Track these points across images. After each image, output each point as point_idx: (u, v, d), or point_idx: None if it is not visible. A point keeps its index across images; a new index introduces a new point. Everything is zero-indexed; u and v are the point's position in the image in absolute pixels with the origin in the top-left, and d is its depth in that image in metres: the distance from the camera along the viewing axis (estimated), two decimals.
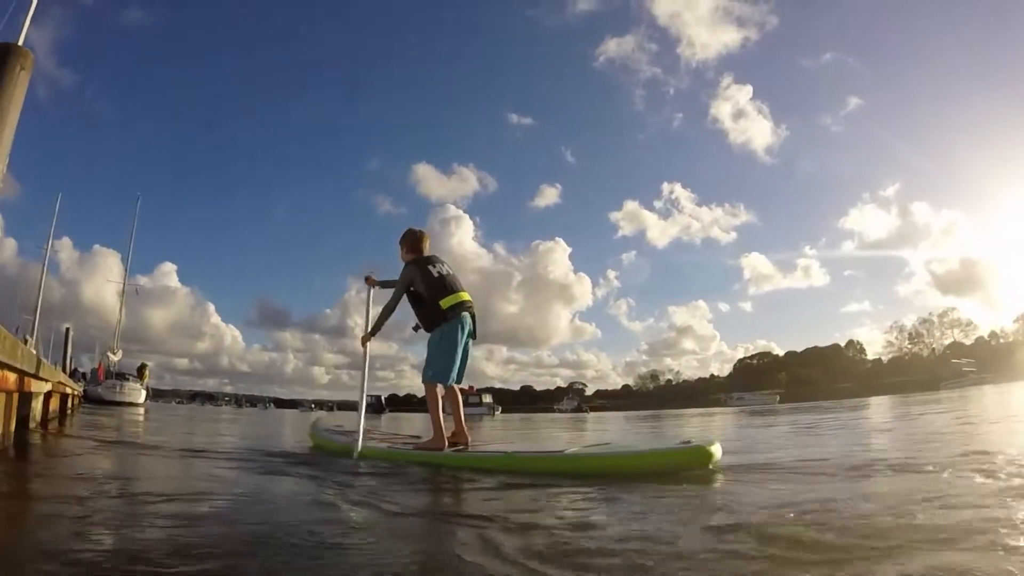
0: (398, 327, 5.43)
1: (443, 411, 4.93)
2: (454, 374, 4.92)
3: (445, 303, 4.85)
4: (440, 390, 4.98)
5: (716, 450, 3.75)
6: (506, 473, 3.87)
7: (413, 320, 5.06)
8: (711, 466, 3.70)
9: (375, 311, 5.38)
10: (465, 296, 4.98)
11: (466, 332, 4.97)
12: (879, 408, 15.42)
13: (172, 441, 6.66)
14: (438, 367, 4.88)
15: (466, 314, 4.95)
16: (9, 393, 4.09)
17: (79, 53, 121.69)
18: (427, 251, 5.20)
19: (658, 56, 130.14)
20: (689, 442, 3.84)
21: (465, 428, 4.93)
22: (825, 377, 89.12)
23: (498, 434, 10.77)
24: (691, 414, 24.76)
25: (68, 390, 10.34)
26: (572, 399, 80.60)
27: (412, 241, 5.20)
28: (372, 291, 5.50)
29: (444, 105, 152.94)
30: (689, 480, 3.40)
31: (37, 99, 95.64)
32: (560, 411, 64.62)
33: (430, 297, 4.88)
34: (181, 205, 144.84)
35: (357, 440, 5.02)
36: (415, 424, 5.68)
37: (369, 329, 5.36)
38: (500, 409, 58.82)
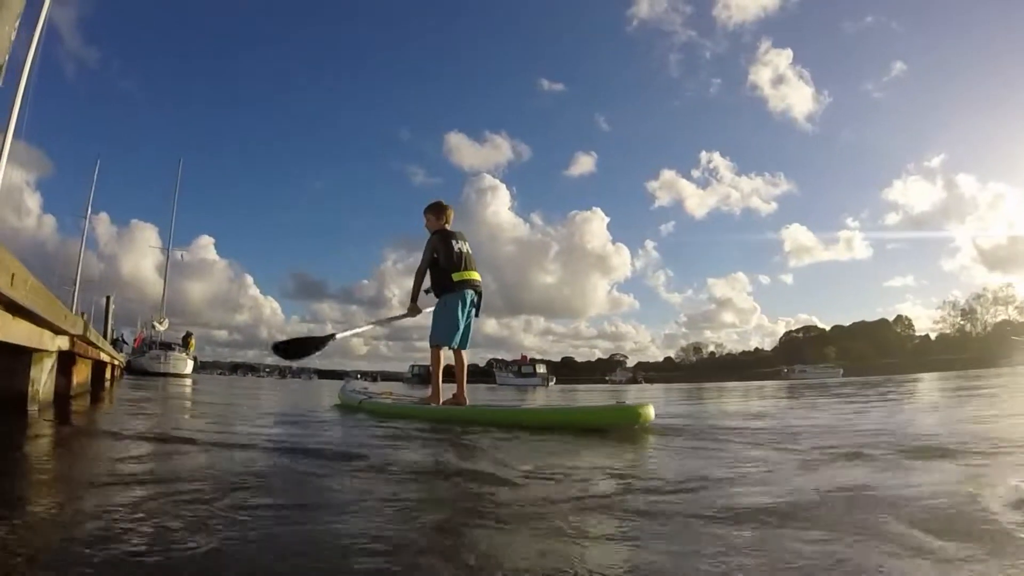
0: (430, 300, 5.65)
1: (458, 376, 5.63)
2: (457, 339, 5.42)
3: (456, 276, 5.39)
4: (448, 355, 5.54)
5: (647, 411, 4.07)
6: (474, 423, 4.39)
7: (425, 288, 5.62)
8: (639, 425, 4.00)
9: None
10: (475, 276, 5.51)
11: (468, 304, 5.46)
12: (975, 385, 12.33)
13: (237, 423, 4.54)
14: (440, 332, 5.42)
15: (470, 290, 5.45)
16: None
17: (104, 30, 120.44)
18: (451, 224, 5.71)
19: (693, 18, 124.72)
20: (623, 402, 4.16)
21: (465, 391, 5.50)
22: (875, 352, 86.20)
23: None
24: (762, 389, 21.57)
25: (104, 356, 7.98)
26: (627, 370, 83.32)
27: (438, 212, 5.68)
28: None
29: (473, 72, 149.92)
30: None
31: (65, 78, 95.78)
32: (613, 381, 65.47)
33: (445, 268, 5.41)
34: (217, 179, 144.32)
35: (336, 334, 5.79)
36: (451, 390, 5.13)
37: (411, 301, 5.74)
38: (554, 380, 56.66)
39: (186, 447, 2.79)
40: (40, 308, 2.52)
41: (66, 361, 5.00)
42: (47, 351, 3.51)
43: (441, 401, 5.40)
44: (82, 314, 5.52)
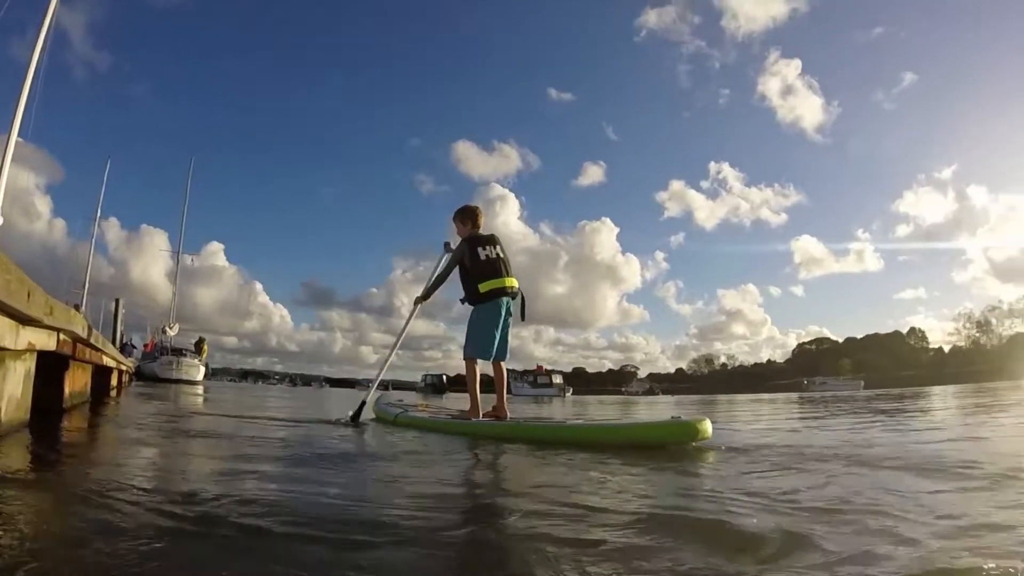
0: (446, 307, 5.95)
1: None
2: (492, 351, 5.26)
3: (484, 287, 5.23)
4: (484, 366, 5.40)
5: (705, 426, 3.84)
6: (516, 440, 4.26)
7: (460, 298, 5.44)
8: (696, 442, 3.77)
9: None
10: (508, 282, 5.29)
11: (503, 313, 5.27)
12: None
13: None
14: (474, 344, 5.30)
15: (505, 298, 5.26)
16: None
17: (114, 35, 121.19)
18: (481, 227, 5.53)
19: (701, 29, 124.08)
20: (679, 417, 3.94)
21: (505, 404, 5.28)
22: (891, 365, 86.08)
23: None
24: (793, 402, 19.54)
25: (108, 361, 6.97)
26: (642, 382, 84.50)
27: (464, 218, 5.54)
28: (445, 257, 5.73)
29: (482, 81, 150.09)
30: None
31: (75, 82, 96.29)
32: (629, 393, 65.27)
33: (473, 277, 5.26)
34: (227, 186, 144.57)
35: (362, 403, 5.82)
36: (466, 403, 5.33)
37: (423, 293, 5.80)
38: (571, 391, 56.11)
39: (215, 533, 1.53)
40: (52, 319, 1.45)
41: (55, 366, 4.00)
42: (11, 350, 2.46)
43: (481, 414, 5.22)
44: (76, 306, 4.51)
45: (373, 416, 5.99)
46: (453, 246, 5.67)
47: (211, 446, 3.73)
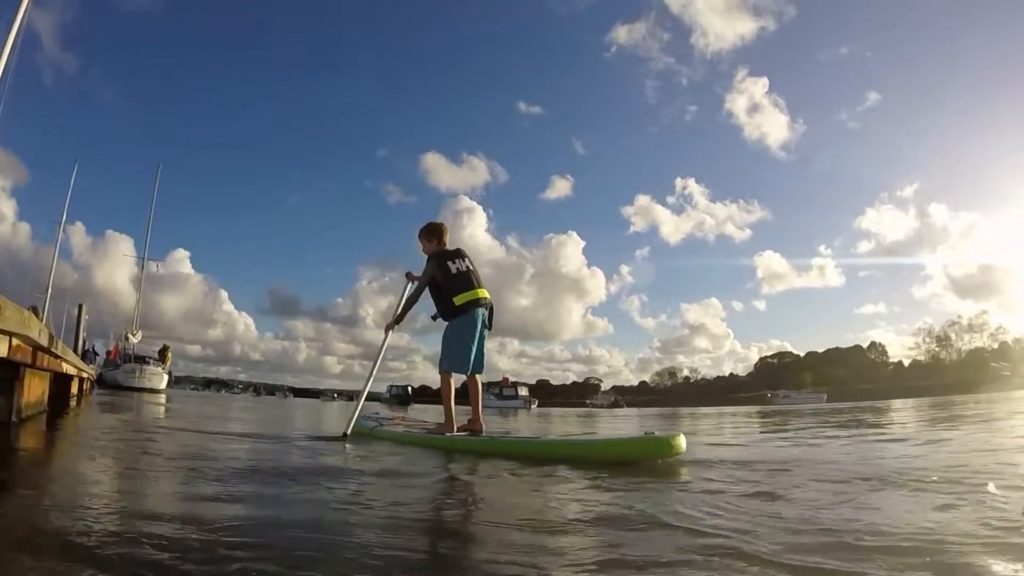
0: (410, 318, 5.80)
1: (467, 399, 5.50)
2: (469, 365, 5.23)
3: (459, 300, 5.21)
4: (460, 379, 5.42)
5: (678, 442, 3.87)
6: (492, 456, 4.30)
7: (430, 313, 5.47)
8: (671, 457, 3.80)
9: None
10: (481, 293, 5.31)
11: (479, 326, 5.26)
12: None
13: None
14: (451, 358, 5.28)
15: (480, 309, 5.26)
16: None
17: (83, 37, 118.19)
18: (447, 244, 5.53)
19: (670, 45, 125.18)
20: (652, 433, 4.00)
21: (480, 417, 5.24)
22: (852, 378, 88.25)
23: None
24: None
25: (67, 368, 6.60)
26: (607, 394, 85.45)
27: (430, 235, 5.52)
28: (409, 285, 5.79)
29: (451, 93, 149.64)
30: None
31: (43, 85, 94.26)
32: (595, 405, 65.97)
33: (446, 292, 5.24)
34: (194, 192, 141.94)
35: (350, 420, 5.69)
36: (432, 414, 6.52)
37: (394, 318, 5.79)
38: (537, 403, 55.95)
39: None
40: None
41: (6, 375, 3.74)
42: None
43: (456, 428, 5.20)
44: (33, 308, 4.26)
45: (350, 430, 5.81)
46: (416, 273, 5.66)
47: (178, 470, 3.27)
